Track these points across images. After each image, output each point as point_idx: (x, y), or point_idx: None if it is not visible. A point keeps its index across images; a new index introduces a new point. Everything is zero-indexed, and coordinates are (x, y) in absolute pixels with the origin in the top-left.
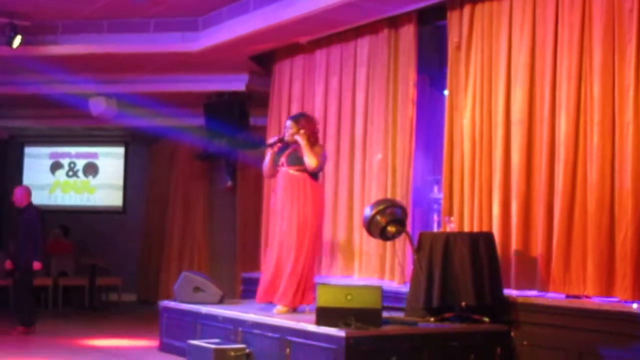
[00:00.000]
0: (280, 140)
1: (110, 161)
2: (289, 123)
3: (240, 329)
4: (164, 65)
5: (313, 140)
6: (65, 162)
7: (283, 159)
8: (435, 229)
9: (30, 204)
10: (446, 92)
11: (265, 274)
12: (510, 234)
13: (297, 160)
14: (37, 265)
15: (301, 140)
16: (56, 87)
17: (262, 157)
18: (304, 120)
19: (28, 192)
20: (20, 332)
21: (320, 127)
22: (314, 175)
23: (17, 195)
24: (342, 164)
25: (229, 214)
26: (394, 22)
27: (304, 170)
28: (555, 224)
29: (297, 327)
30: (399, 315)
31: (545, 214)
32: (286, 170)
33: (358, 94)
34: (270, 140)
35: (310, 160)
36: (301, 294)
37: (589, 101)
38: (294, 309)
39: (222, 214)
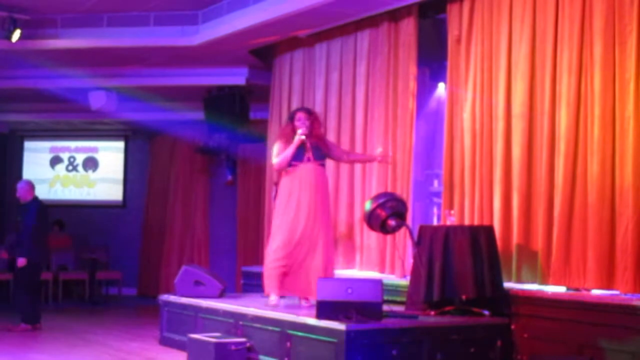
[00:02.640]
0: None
1: (110, 155)
2: (303, 115)
3: (240, 322)
4: (164, 59)
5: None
6: (65, 156)
7: (310, 154)
8: (435, 223)
9: (33, 200)
10: (441, 85)
11: (302, 269)
12: (510, 228)
13: (322, 155)
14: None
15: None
16: (56, 81)
17: (263, 152)
18: (315, 113)
19: (31, 186)
20: (22, 330)
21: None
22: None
23: (21, 190)
24: None
25: (229, 208)
26: (394, 15)
27: (324, 164)
28: (555, 217)
29: (297, 321)
30: (400, 308)
31: (546, 208)
32: (314, 165)
33: (358, 87)
34: (305, 132)
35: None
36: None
37: (590, 94)
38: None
39: (223, 208)
